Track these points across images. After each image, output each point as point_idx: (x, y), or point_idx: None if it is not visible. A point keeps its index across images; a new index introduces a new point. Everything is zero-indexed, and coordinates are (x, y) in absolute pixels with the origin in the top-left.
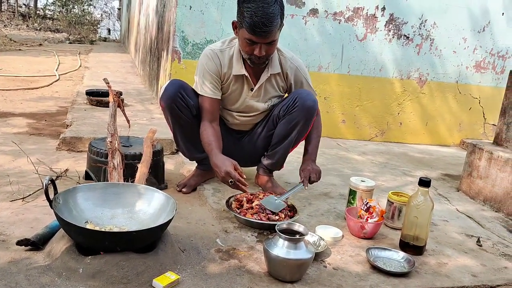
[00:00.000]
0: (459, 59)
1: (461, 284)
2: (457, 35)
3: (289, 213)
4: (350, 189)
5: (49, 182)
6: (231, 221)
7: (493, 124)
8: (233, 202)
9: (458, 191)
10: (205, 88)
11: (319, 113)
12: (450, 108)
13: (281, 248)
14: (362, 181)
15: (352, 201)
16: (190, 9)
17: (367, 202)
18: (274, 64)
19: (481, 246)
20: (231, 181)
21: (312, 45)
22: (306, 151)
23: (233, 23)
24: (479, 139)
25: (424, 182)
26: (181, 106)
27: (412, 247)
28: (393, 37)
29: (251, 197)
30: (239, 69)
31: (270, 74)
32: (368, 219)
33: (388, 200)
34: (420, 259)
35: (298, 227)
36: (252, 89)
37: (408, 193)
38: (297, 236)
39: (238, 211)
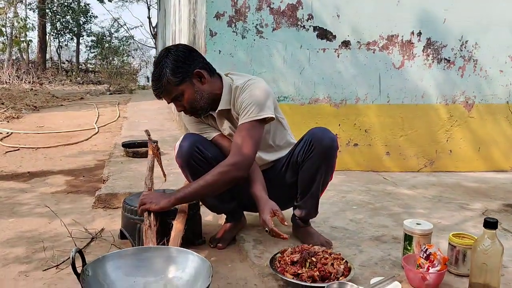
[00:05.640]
0: (507, 78)
1: None
2: (502, 53)
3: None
4: (405, 234)
5: (75, 253)
6: (276, 278)
7: None
8: (278, 257)
9: None
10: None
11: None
12: (503, 131)
13: None
14: (417, 224)
15: (409, 248)
16: (219, 53)
17: (426, 249)
18: (224, 99)
19: None
20: (266, 230)
21: (347, 77)
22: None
23: None
24: None
25: (490, 224)
26: (199, 160)
27: None
28: (433, 61)
29: (297, 249)
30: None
31: (218, 110)
32: (430, 268)
33: (449, 244)
34: None
35: (351, 287)
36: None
37: (469, 230)
38: None
39: (279, 265)
